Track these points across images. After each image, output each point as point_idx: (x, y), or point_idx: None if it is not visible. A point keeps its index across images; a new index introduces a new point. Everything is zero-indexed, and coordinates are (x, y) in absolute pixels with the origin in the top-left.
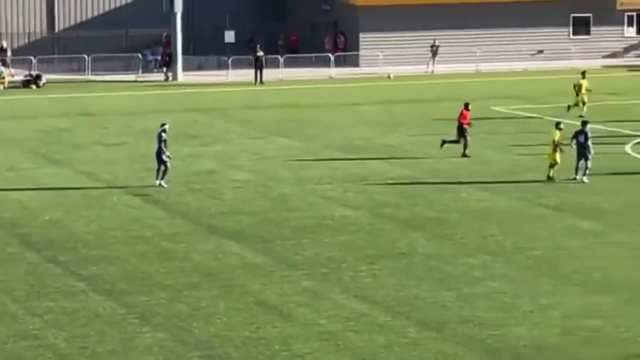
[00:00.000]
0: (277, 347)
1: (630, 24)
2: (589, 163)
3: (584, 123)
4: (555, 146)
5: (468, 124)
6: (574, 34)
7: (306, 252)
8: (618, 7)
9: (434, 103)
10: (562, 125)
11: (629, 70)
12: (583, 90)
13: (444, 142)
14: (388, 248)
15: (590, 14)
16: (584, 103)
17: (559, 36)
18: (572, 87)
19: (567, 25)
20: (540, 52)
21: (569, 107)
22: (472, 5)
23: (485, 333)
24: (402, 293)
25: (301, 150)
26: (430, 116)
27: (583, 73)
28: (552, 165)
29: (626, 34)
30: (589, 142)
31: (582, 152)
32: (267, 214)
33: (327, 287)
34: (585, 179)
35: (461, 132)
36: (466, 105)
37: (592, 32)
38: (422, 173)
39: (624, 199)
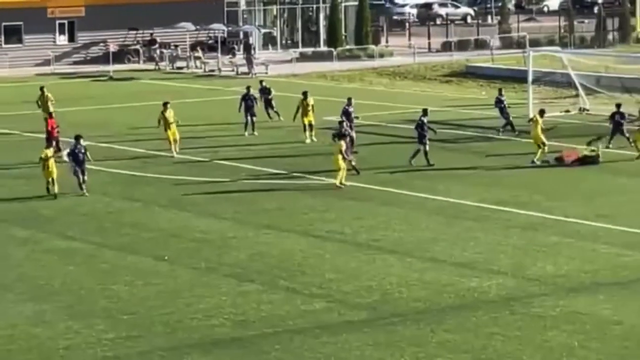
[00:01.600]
0: None
1: (62, 32)
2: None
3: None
4: None
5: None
6: (5, 42)
7: None
8: (49, 16)
9: None
10: None
11: (60, 78)
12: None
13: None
14: None
15: (21, 23)
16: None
17: None
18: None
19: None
20: None
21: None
22: None
23: None
24: None
25: None
26: None
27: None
28: None
29: (58, 42)
30: None
31: None
32: None
33: None
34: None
35: (50, 139)
36: (50, 115)
37: (24, 41)
38: None
39: (60, 206)
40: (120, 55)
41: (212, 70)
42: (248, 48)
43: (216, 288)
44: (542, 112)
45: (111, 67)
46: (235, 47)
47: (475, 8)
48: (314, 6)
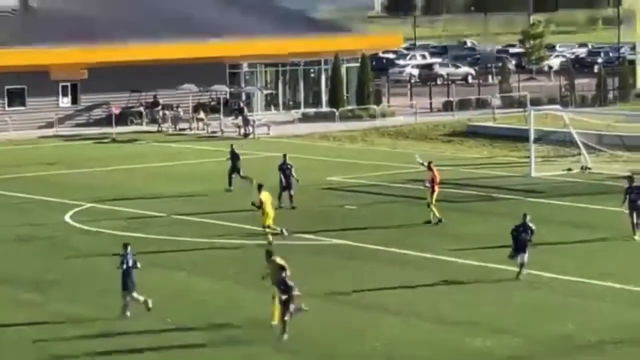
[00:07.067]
0: None
1: (65, 94)
2: None
3: None
4: None
5: None
6: (9, 105)
7: None
8: (52, 78)
9: None
10: None
11: (63, 140)
12: None
13: None
14: None
15: (25, 86)
16: None
17: None
18: None
19: (2, 97)
20: None
21: None
22: None
23: None
24: None
25: None
26: None
27: None
28: None
29: (61, 104)
30: None
31: None
32: None
33: None
34: None
35: None
36: None
37: (27, 104)
38: None
39: None
40: (123, 117)
41: (215, 132)
42: (242, 110)
43: None
44: None
45: (114, 129)
46: (245, 107)
47: (476, 68)
48: (316, 67)
